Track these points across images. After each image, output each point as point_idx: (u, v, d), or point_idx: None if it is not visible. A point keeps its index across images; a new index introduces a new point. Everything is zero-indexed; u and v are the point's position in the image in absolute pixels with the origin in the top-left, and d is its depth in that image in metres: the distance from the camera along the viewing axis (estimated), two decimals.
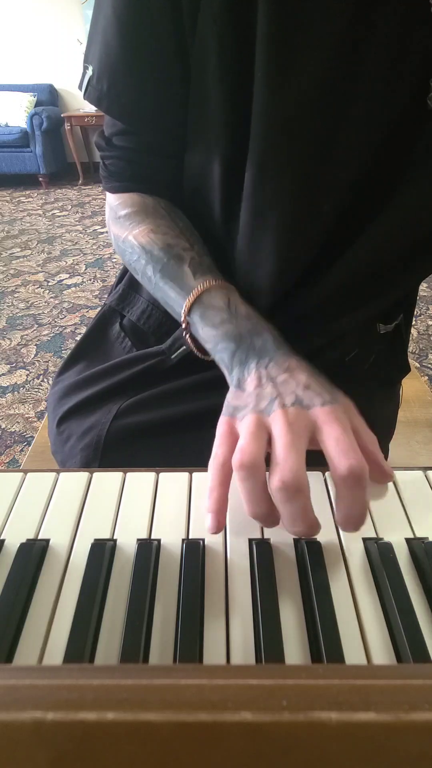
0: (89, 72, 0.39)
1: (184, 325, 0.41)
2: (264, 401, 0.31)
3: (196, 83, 0.37)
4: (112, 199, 0.47)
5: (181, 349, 0.48)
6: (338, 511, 0.28)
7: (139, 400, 0.48)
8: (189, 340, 0.42)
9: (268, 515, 0.28)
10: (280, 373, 0.33)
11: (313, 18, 0.30)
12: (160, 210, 0.45)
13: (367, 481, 0.27)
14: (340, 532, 0.30)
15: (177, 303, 0.41)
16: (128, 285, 0.55)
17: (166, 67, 0.37)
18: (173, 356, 0.48)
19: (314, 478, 0.34)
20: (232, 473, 0.29)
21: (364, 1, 0.29)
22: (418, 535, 0.30)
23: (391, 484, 0.34)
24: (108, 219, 0.48)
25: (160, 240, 0.42)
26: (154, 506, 0.32)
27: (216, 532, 0.29)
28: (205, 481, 0.34)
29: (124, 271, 0.57)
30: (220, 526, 0.29)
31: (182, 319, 0.40)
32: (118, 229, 0.46)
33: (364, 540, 0.30)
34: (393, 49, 0.31)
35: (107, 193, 0.48)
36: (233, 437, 0.31)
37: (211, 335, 0.38)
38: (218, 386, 0.47)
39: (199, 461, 0.36)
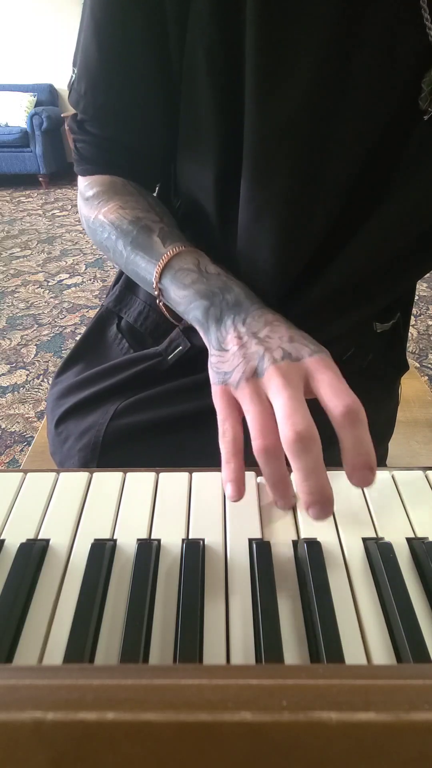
0: (73, 75, 0.41)
1: (156, 293, 0.40)
2: (253, 360, 0.31)
3: (186, 92, 0.37)
4: (81, 181, 0.47)
5: (177, 350, 0.48)
6: (345, 460, 0.28)
7: (136, 401, 0.49)
8: (163, 308, 0.42)
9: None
10: (260, 327, 0.33)
11: (302, 24, 0.30)
12: (128, 187, 0.45)
13: (365, 421, 0.28)
14: (340, 532, 0.30)
15: (148, 271, 0.40)
16: (125, 287, 0.55)
17: (142, 71, 0.37)
18: (169, 357, 0.48)
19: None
20: (243, 445, 0.30)
21: (352, 4, 0.29)
22: (419, 535, 0.30)
23: (391, 484, 0.34)
24: (78, 201, 0.48)
25: (129, 214, 0.42)
26: (154, 506, 0.32)
27: (237, 500, 0.29)
28: (205, 480, 0.34)
29: (121, 273, 0.57)
30: (241, 492, 0.29)
31: (154, 285, 0.40)
32: (88, 210, 0.45)
33: (364, 540, 0.30)
34: (383, 51, 0.30)
35: (78, 177, 0.48)
36: (235, 407, 0.31)
37: (182, 296, 0.37)
38: None
39: (197, 461, 0.36)
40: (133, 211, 0.43)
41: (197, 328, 0.37)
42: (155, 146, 0.43)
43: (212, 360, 0.34)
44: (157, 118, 0.40)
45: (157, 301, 0.41)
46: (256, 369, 0.31)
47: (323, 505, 0.27)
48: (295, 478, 0.28)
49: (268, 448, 0.28)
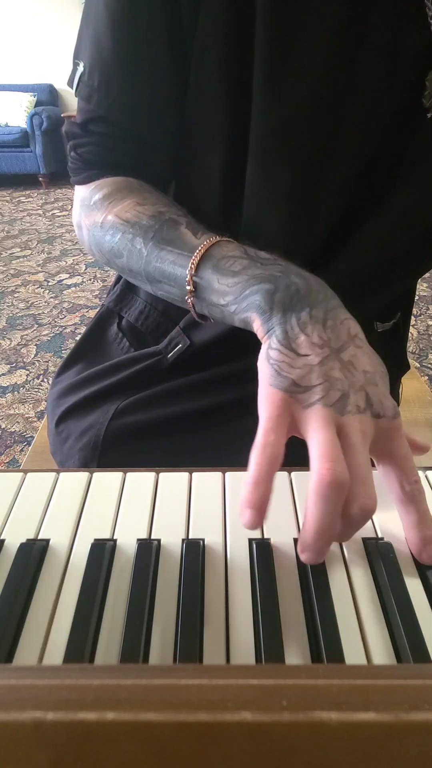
0: (80, 68, 0.39)
1: (189, 287, 0.35)
2: (335, 394, 0.27)
3: (195, 83, 0.37)
4: (84, 190, 0.43)
5: (177, 348, 0.48)
6: (409, 536, 0.28)
7: (137, 400, 0.48)
8: (191, 306, 0.36)
9: (331, 539, 0.26)
10: (345, 341, 0.29)
11: (309, 20, 0.30)
12: (144, 185, 0.41)
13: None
14: None
15: (178, 265, 0.35)
16: (126, 286, 0.55)
17: (158, 62, 0.37)
18: (169, 356, 0.48)
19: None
20: (279, 465, 0.26)
21: (359, 1, 0.29)
22: None
23: None
24: (78, 214, 0.43)
25: (149, 210, 0.38)
26: (154, 506, 0.32)
27: (254, 528, 0.26)
28: (205, 480, 0.34)
29: None
30: (258, 524, 0.25)
31: (188, 278, 0.34)
32: (94, 214, 0.41)
33: (364, 540, 0.30)
34: (388, 49, 0.31)
35: (76, 187, 0.43)
36: (288, 419, 0.27)
37: (232, 283, 0.32)
38: (216, 386, 0.47)
39: (197, 461, 0.36)
40: (153, 206, 0.38)
41: (253, 315, 0.31)
42: (167, 138, 0.41)
43: (274, 355, 0.28)
44: (170, 108, 0.39)
45: (187, 298, 0.36)
46: (334, 406, 0.27)
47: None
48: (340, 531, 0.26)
49: (337, 481, 0.24)
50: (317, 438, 0.26)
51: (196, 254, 0.34)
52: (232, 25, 0.33)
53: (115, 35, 0.36)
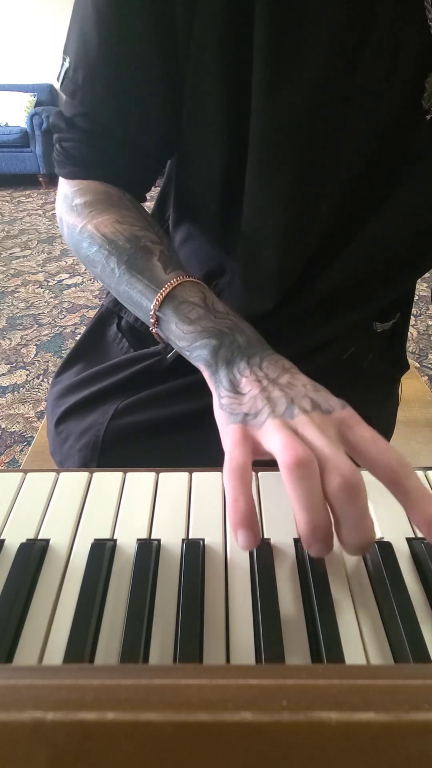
0: (66, 63, 0.39)
1: (152, 320, 0.38)
2: (280, 406, 0.29)
3: (192, 84, 0.36)
4: (66, 186, 0.43)
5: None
6: (412, 514, 0.27)
7: (136, 400, 0.48)
8: (155, 335, 0.40)
9: (326, 523, 0.25)
10: (279, 373, 0.32)
11: (310, 21, 0.30)
12: (125, 201, 0.42)
13: (416, 475, 0.27)
14: None
15: (145, 296, 0.38)
16: None
17: (145, 61, 0.36)
18: (169, 356, 0.48)
19: None
20: (251, 479, 0.27)
21: (359, 2, 0.29)
22: (419, 535, 0.30)
23: None
24: (60, 207, 0.44)
25: (126, 230, 0.40)
26: (154, 506, 0.32)
27: (250, 549, 0.26)
28: (205, 480, 0.34)
29: None
30: (256, 541, 0.25)
31: (151, 313, 0.38)
32: (74, 218, 0.42)
33: None
34: (387, 51, 0.31)
35: (60, 180, 0.44)
36: (250, 443, 0.29)
37: (187, 330, 0.36)
38: None
39: (197, 461, 0.36)
40: (131, 227, 0.40)
41: (201, 367, 0.35)
42: (152, 139, 0.41)
43: (223, 401, 0.32)
44: (157, 109, 0.39)
45: (151, 329, 0.39)
46: (283, 416, 0.29)
47: (368, 543, 0.26)
48: (343, 528, 0.26)
49: (300, 459, 0.25)
50: (275, 440, 0.27)
51: (161, 292, 0.37)
52: (229, 25, 0.32)
53: (101, 33, 0.36)
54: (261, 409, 0.29)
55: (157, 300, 0.37)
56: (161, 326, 0.38)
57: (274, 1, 0.30)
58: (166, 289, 0.37)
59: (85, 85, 0.38)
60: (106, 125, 0.40)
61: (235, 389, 0.32)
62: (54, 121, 0.42)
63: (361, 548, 0.26)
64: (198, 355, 0.35)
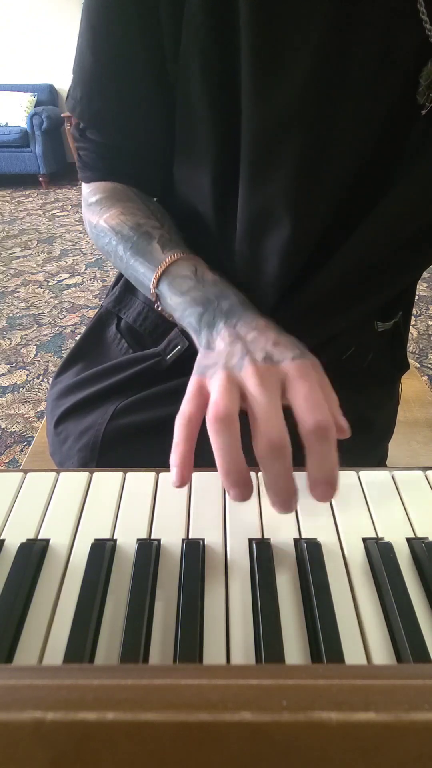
0: (72, 80, 0.41)
1: (153, 298, 0.41)
2: (234, 358, 0.31)
3: (181, 95, 0.37)
4: (85, 188, 0.48)
5: (176, 350, 0.48)
6: (309, 473, 0.28)
7: (135, 401, 0.48)
8: (162, 312, 0.42)
9: (242, 473, 0.27)
10: (250, 331, 0.33)
11: (297, 22, 0.30)
12: (130, 194, 0.45)
13: (334, 438, 0.27)
14: (340, 532, 0.30)
15: (146, 277, 0.41)
16: (124, 287, 0.55)
17: (138, 76, 0.38)
18: (168, 357, 0.48)
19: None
20: (197, 429, 0.29)
21: (348, 1, 0.29)
22: (419, 535, 0.30)
23: (391, 484, 0.34)
24: (83, 208, 0.49)
25: (130, 220, 0.43)
26: (154, 506, 0.32)
27: (180, 486, 0.29)
28: (205, 480, 0.34)
29: (121, 274, 0.57)
30: (184, 480, 0.28)
31: (151, 291, 0.40)
32: (91, 215, 0.46)
33: (364, 540, 0.30)
34: (379, 46, 0.30)
35: (82, 183, 0.49)
36: (203, 396, 0.30)
37: (178, 302, 0.38)
38: None
39: (197, 461, 0.36)
40: (134, 217, 0.43)
41: (191, 333, 0.37)
42: (155, 151, 0.43)
43: (198, 357, 0.34)
44: (155, 123, 0.40)
45: (155, 306, 0.42)
46: (233, 366, 0.30)
47: (288, 503, 0.28)
48: (266, 482, 0.28)
49: (219, 415, 0.27)
50: (212, 392, 0.29)
51: (158, 270, 0.40)
52: (214, 34, 0.33)
53: (94, 50, 0.37)
54: (217, 362, 0.31)
55: (155, 278, 0.40)
56: (162, 303, 0.41)
57: (258, 7, 0.30)
58: (162, 267, 0.39)
59: (83, 101, 0.40)
60: (108, 138, 0.43)
61: (209, 347, 0.34)
62: (72, 131, 0.46)
63: (282, 499, 0.27)
64: (188, 323, 0.37)
